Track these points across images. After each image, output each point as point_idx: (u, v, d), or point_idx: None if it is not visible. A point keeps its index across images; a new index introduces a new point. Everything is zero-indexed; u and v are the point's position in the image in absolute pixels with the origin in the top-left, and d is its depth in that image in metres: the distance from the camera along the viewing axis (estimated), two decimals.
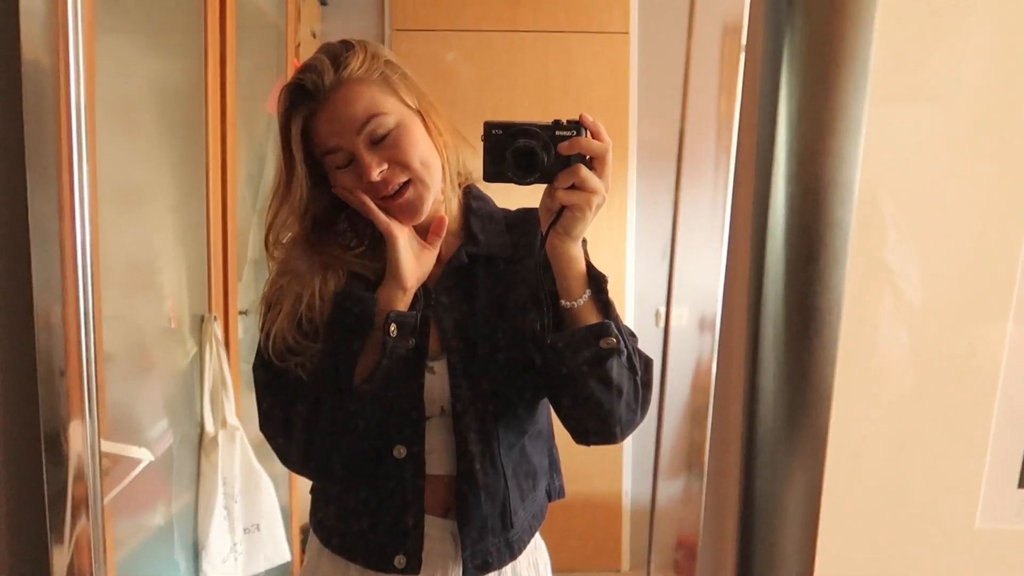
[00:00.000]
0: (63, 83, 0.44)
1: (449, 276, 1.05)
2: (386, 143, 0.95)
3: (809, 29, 0.50)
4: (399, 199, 0.96)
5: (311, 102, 0.95)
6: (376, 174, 0.93)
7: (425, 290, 1.02)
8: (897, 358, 0.61)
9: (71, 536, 0.51)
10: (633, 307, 2.74)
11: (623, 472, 2.89)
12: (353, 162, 0.95)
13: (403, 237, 0.97)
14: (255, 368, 1.05)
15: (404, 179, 0.95)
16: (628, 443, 3.06)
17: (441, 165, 0.99)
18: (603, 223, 2.83)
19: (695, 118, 0.58)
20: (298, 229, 1.01)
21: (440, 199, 1.01)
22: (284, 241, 1.02)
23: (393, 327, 0.96)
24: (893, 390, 0.59)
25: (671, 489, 0.96)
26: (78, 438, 0.54)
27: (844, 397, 0.55)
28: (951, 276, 0.61)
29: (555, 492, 1.19)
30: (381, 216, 0.95)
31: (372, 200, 0.95)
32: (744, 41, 0.50)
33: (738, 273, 0.53)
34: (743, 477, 0.57)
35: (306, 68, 0.96)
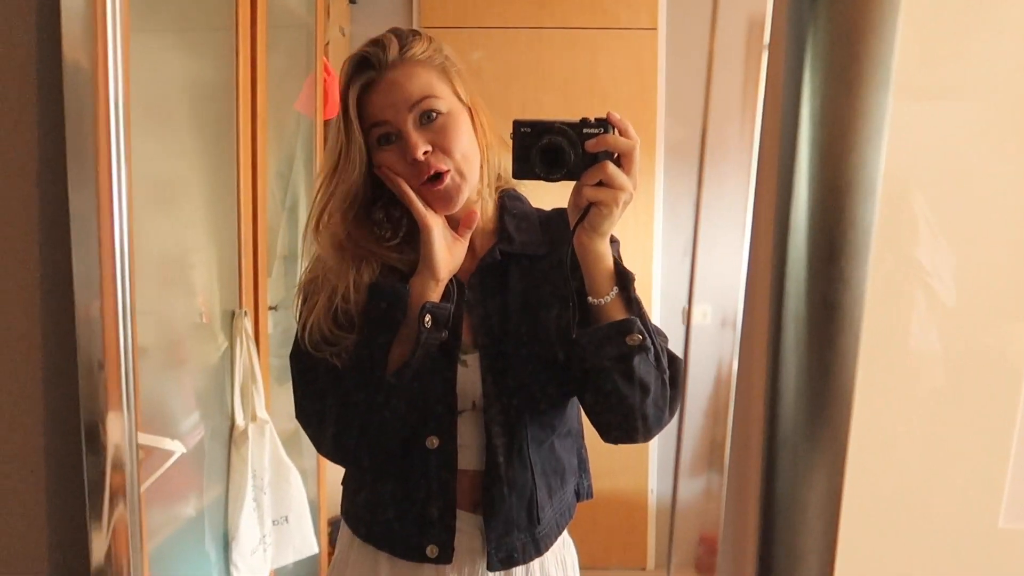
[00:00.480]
0: (102, 84, 0.45)
1: (482, 272, 1.06)
2: (433, 127, 0.97)
3: (832, 26, 0.50)
4: (437, 185, 0.97)
5: (371, 72, 0.98)
6: (420, 153, 0.95)
7: (458, 283, 1.03)
8: (927, 356, 0.61)
9: (109, 523, 0.53)
10: (659, 305, 2.73)
11: (649, 470, 2.88)
12: (398, 140, 0.97)
13: (437, 226, 0.99)
14: (292, 357, 1.07)
15: (444, 167, 0.96)
16: (654, 441, 3.06)
17: (480, 163, 1.01)
18: (629, 221, 2.82)
19: (719, 116, 0.58)
20: (338, 216, 1.02)
21: (475, 198, 1.02)
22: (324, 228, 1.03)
23: (428, 318, 0.98)
24: (919, 388, 0.59)
25: (694, 486, 0.95)
26: (116, 429, 0.56)
27: (870, 395, 0.55)
28: (984, 274, 0.60)
29: (584, 492, 1.20)
30: (417, 202, 0.97)
31: (413, 186, 0.97)
32: (767, 39, 0.51)
33: (760, 271, 0.54)
34: (764, 474, 0.57)
35: (372, 42, 0.98)
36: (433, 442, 1.05)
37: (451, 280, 1.02)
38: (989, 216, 0.58)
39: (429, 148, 0.97)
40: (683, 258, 2.65)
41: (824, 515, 0.54)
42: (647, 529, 2.91)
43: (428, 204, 0.99)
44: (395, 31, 1.01)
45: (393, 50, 0.99)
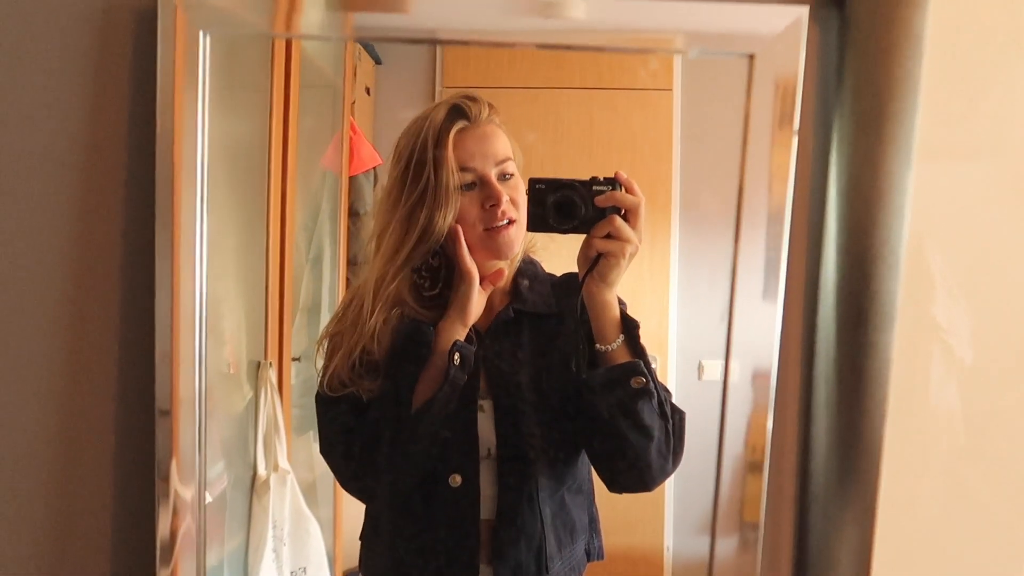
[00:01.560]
0: (188, 151, 0.49)
1: (497, 327, 1.11)
2: (509, 184, 1.05)
3: (857, 110, 0.54)
4: (504, 231, 1.03)
5: (465, 121, 1.05)
6: (504, 200, 1.02)
7: (477, 332, 1.07)
8: (948, 414, 0.63)
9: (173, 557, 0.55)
10: (675, 360, 2.73)
11: (665, 527, 2.84)
12: (480, 187, 1.04)
13: (478, 277, 1.04)
14: (317, 397, 1.11)
15: (516, 217, 1.03)
16: (669, 497, 3.02)
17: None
18: (645, 276, 2.84)
19: (753, 181, 0.62)
20: (407, 260, 1.07)
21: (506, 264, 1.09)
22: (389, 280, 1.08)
23: (457, 356, 1.02)
24: (943, 445, 0.61)
25: (721, 547, 0.98)
26: (179, 478, 0.59)
27: (895, 451, 0.57)
28: (1001, 333, 0.63)
29: (594, 552, 1.22)
30: (465, 252, 1.02)
31: (470, 234, 1.03)
32: (796, 125, 0.55)
33: (792, 336, 0.58)
34: (797, 530, 0.60)
35: (464, 97, 1.07)
36: (456, 480, 1.08)
37: (471, 329, 1.07)
38: (1005, 274, 0.61)
39: (507, 198, 1.04)
40: (699, 314, 2.67)
41: (856, 569, 0.56)
42: None
43: (492, 248, 1.05)
44: (475, 95, 1.10)
45: (485, 109, 1.08)
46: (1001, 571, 0.55)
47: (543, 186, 1.03)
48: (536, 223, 1.03)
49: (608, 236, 0.99)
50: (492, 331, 1.10)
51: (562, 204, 1.01)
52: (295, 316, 2.10)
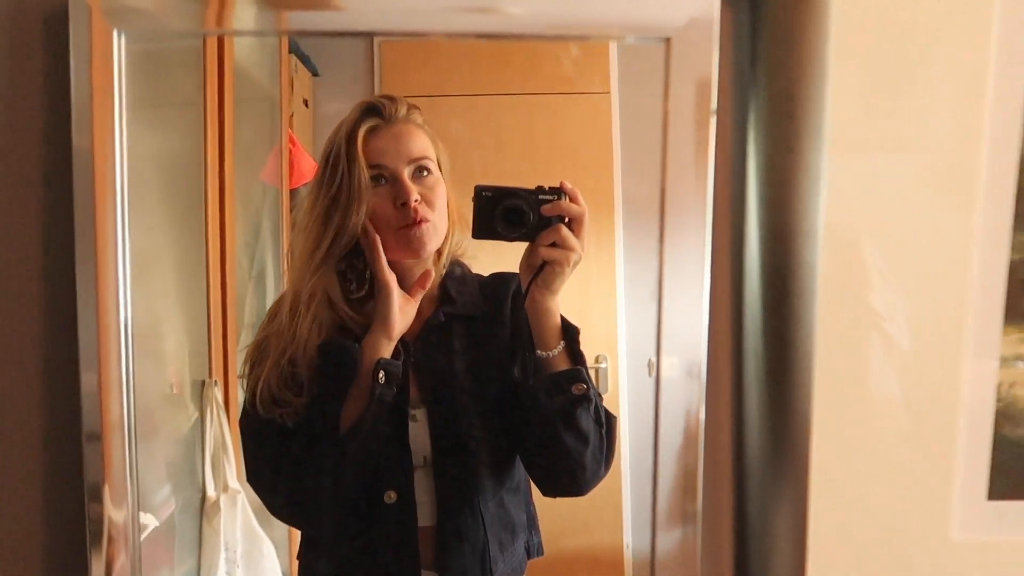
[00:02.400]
0: (108, 166, 0.48)
1: (428, 332, 1.11)
2: (425, 182, 1.05)
3: (771, 92, 0.56)
4: (416, 228, 1.03)
5: (379, 119, 1.05)
6: (413, 197, 1.02)
7: (404, 343, 1.07)
8: (888, 399, 0.65)
9: None
10: (626, 359, 2.76)
11: (624, 525, 2.86)
12: (391, 183, 1.04)
13: (395, 286, 1.04)
14: (240, 421, 1.09)
15: (428, 217, 1.03)
16: (626, 495, 3.04)
17: (446, 234, 1.07)
18: (593, 279, 2.87)
19: (675, 173, 0.63)
20: (325, 260, 1.06)
21: (430, 265, 1.08)
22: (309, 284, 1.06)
23: (382, 374, 1.02)
24: (885, 429, 0.63)
25: (669, 540, 0.99)
26: (111, 502, 0.57)
27: (834, 437, 0.59)
28: (934, 317, 0.65)
29: (534, 549, 1.23)
30: (383, 262, 1.02)
31: (384, 232, 1.02)
32: (714, 105, 0.56)
33: (720, 314, 0.59)
34: (735, 504, 0.61)
35: (381, 96, 1.07)
36: (391, 496, 1.08)
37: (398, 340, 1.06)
38: (929, 261, 0.64)
39: (419, 197, 1.04)
40: (647, 312, 2.70)
41: (793, 538, 0.57)
42: None
43: (405, 246, 1.04)
44: (395, 96, 1.10)
45: (402, 108, 1.08)
46: (929, 531, 0.57)
47: (489, 194, 1.04)
48: (483, 231, 1.04)
49: (553, 245, 1.01)
50: (423, 336, 1.10)
51: (510, 212, 1.03)
52: (240, 333, 2.06)
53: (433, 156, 1.09)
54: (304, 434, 1.03)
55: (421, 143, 1.07)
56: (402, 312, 1.05)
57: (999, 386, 0.58)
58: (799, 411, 0.53)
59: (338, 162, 1.06)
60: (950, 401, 0.58)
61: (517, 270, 1.07)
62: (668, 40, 0.55)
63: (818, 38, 0.52)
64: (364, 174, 1.03)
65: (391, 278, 1.03)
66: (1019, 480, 0.57)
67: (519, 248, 1.04)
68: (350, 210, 1.03)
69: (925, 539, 0.56)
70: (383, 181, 1.05)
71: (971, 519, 0.56)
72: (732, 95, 0.50)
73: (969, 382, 0.58)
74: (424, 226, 1.04)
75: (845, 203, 0.55)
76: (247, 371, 1.10)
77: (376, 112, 1.07)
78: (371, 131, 1.05)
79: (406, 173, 1.05)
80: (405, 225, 1.03)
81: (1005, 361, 0.58)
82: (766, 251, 0.50)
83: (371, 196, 1.04)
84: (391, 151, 1.05)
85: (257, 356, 1.08)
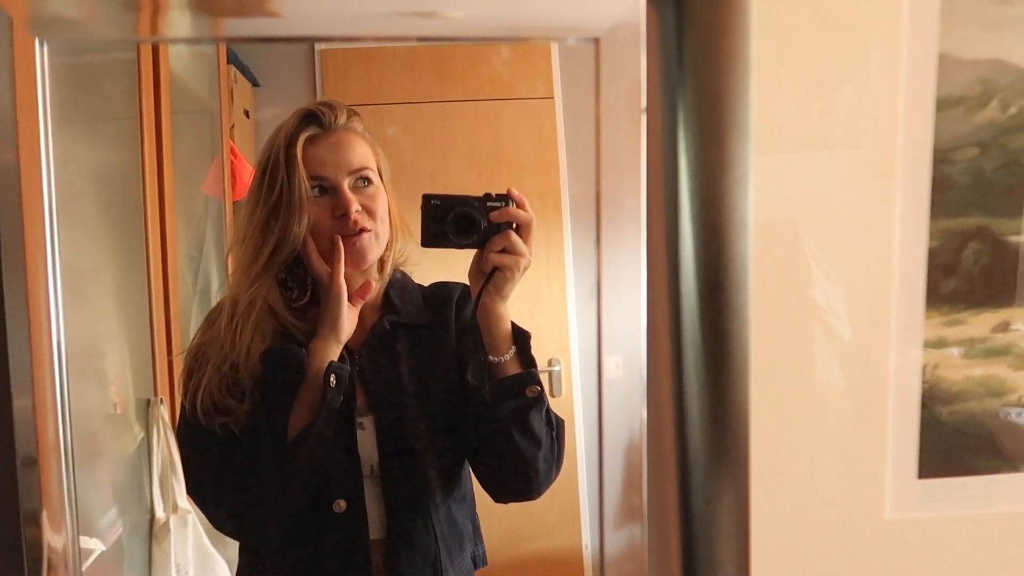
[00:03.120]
0: (34, 180, 0.47)
1: (373, 340, 1.11)
2: (365, 192, 1.04)
3: (698, 90, 0.57)
4: (356, 239, 1.02)
5: (318, 128, 1.03)
6: (354, 209, 1.01)
7: (349, 352, 1.06)
8: (833, 388, 0.67)
9: None
10: (579, 359, 2.79)
11: (582, 525, 2.89)
12: (331, 194, 1.02)
13: (345, 291, 1.02)
14: (179, 433, 1.06)
15: (369, 227, 1.02)
16: (584, 496, 3.07)
17: (388, 242, 1.07)
18: (543, 283, 2.89)
19: (610, 174, 0.64)
20: (267, 270, 1.05)
21: (374, 275, 1.08)
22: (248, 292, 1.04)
23: (333, 378, 1.01)
24: (808, 407, 0.65)
25: (620, 537, 1.00)
26: (52, 529, 0.55)
27: (766, 417, 0.61)
28: (871, 308, 0.68)
29: (479, 560, 1.23)
30: (319, 262, 1.00)
31: (324, 243, 1.01)
32: (644, 104, 0.57)
33: (659, 310, 0.60)
34: (680, 495, 0.62)
35: (322, 103, 1.05)
36: (341, 505, 1.06)
37: (343, 348, 1.06)
38: (856, 251, 0.66)
39: (359, 208, 1.03)
40: (593, 311, 2.72)
41: (736, 527, 0.59)
42: None
43: (345, 257, 1.03)
44: (338, 102, 1.09)
45: (341, 116, 1.07)
46: (863, 511, 0.59)
47: (438, 202, 1.04)
48: (432, 239, 1.04)
49: (503, 251, 1.01)
50: (368, 345, 1.09)
51: (462, 220, 1.03)
52: (185, 349, 2.02)
53: (373, 165, 1.07)
54: (248, 443, 1.00)
55: (361, 152, 1.05)
56: (348, 318, 1.05)
57: (924, 368, 0.61)
58: (737, 401, 0.54)
59: (277, 171, 1.04)
60: (879, 384, 0.61)
61: (458, 279, 1.08)
62: (597, 41, 0.56)
63: (740, 37, 0.54)
64: (304, 185, 1.01)
65: (342, 282, 1.02)
66: (946, 458, 0.60)
67: (463, 256, 1.04)
68: (291, 221, 1.02)
69: (861, 519, 0.58)
70: (323, 192, 1.03)
71: (902, 498, 0.58)
72: (661, 94, 0.51)
73: (896, 366, 0.60)
74: (364, 237, 1.03)
75: (773, 197, 0.57)
76: (184, 378, 1.07)
77: (315, 120, 1.05)
78: (310, 140, 1.03)
79: (346, 184, 1.03)
80: (345, 236, 1.02)
81: (928, 344, 0.61)
82: (700, 246, 0.52)
83: (311, 206, 1.03)
84: (331, 161, 1.03)
85: (195, 363, 1.05)
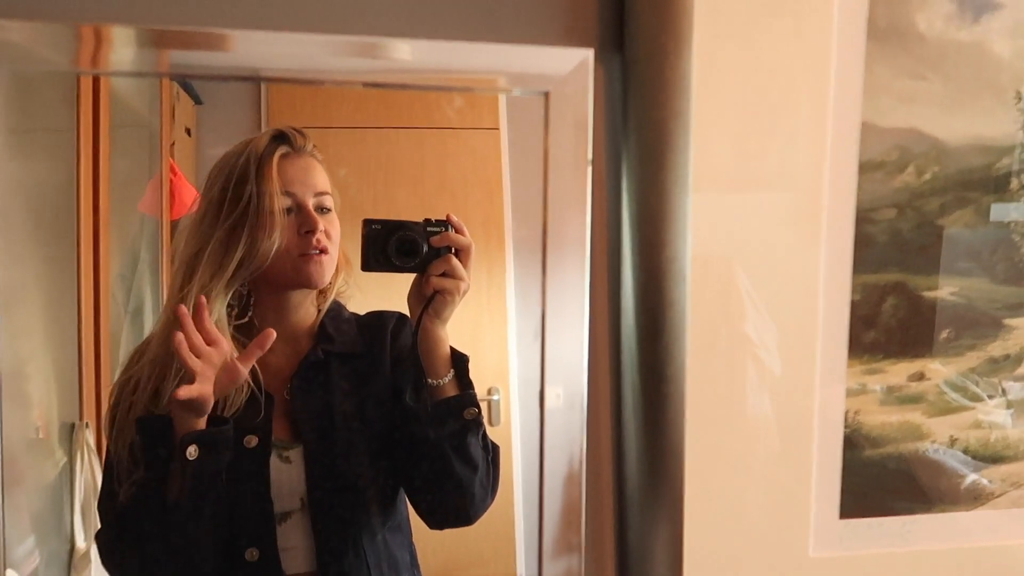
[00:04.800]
0: None
1: (305, 371, 1.11)
2: (325, 218, 1.04)
3: (641, 144, 0.60)
4: (317, 259, 1.03)
5: (289, 148, 1.04)
6: (320, 228, 1.02)
7: (267, 394, 1.04)
8: (763, 421, 0.70)
9: None
10: (517, 389, 2.81)
11: (516, 555, 2.88)
12: (297, 213, 1.03)
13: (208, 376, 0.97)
14: (100, 494, 1.03)
15: (329, 249, 1.03)
16: (520, 526, 3.07)
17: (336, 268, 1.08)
18: (484, 311, 2.90)
19: (556, 213, 0.67)
20: (223, 286, 1.03)
21: (312, 303, 1.08)
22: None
23: (193, 449, 0.98)
24: (742, 446, 0.67)
25: (556, 569, 1.02)
26: None
27: (701, 454, 0.63)
28: (799, 344, 0.71)
29: None
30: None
31: (283, 260, 1.00)
32: (590, 155, 0.60)
33: (599, 348, 0.62)
34: (616, 529, 0.64)
35: (289, 127, 1.05)
36: (253, 554, 1.04)
37: (259, 390, 1.04)
38: (787, 294, 0.69)
39: (323, 228, 1.04)
40: (537, 344, 2.75)
41: (670, 563, 0.61)
42: None
43: (303, 276, 1.03)
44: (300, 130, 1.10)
45: (309, 143, 1.09)
46: (789, 549, 0.61)
47: (379, 227, 1.05)
48: (373, 263, 1.05)
49: (443, 274, 1.03)
50: (300, 374, 1.08)
51: (404, 244, 1.04)
52: (114, 372, 1.96)
53: (331, 194, 1.10)
54: (131, 506, 0.97)
55: (323, 179, 1.09)
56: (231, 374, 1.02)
57: (846, 413, 0.64)
58: (673, 443, 0.56)
59: (244, 184, 1.04)
60: (805, 426, 0.64)
61: (397, 306, 1.09)
62: (547, 94, 0.59)
63: (682, 94, 0.57)
64: (277, 199, 1.03)
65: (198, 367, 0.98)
66: (866, 499, 0.63)
67: (401, 284, 1.05)
68: (260, 234, 1.02)
69: (786, 556, 0.61)
70: (289, 210, 1.04)
71: (825, 537, 0.61)
72: (606, 144, 0.53)
73: (820, 409, 0.63)
74: (324, 258, 1.05)
75: (711, 238, 0.60)
76: (109, 423, 1.03)
77: (287, 140, 1.07)
78: (283, 158, 1.05)
79: (311, 204, 1.06)
80: (305, 254, 1.03)
81: (850, 391, 0.64)
82: (639, 291, 0.54)
83: (283, 221, 1.04)
84: (299, 181, 1.06)
85: (124, 395, 1.02)
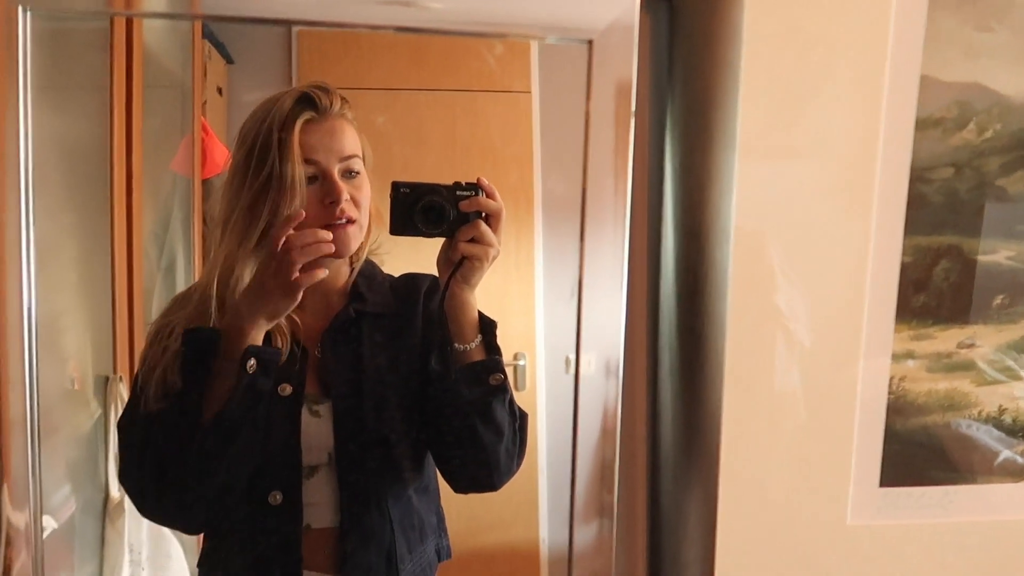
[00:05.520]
0: (9, 148, 0.45)
1: (337, 329, 1.10)
2: (353, 182, 1.03)
3: (687, 98, 0.58)
4: (343, 229, 1.01)
5: (313, 112, 1.02)
6: (344, 199, 1.00)
7: (302, 348, 1.04)
8: (791, 393, 0.68)
9: None
10: (544, 354, 2.80)
11: (540, 520, 2.90)
12: (321, 181, 1.01)
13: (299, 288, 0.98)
14: (121, 417, 1.04)
15: (355, 216, 1.01)
16: (543, 490, 3.08)
17: (367, 229, 1.06)
18: (512, 276, 2.89)
19: (594, 173, 0.65)
20: (229, 255, 1.02)
21: (345, 263, 1.06)
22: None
23: (253, 363, 0.98)
24: (787, 422, 0.66)
25: (585, 534, 1.02)
26: (11, 504, 0.54)
27: (738, 429, 0.62)
28: (832, 317, 0.69)
29: (443, 552, 1.22)
30: (312, 266, 0.98)
31: (320, 224, 0.99)
32: (634, 107, 0.58)
33: (637, 311, 0.61)
34: (649, 494, 0.63)
35: (316, 86, 1.03)
36: (276, 498, 1.05)
37: (295, 339, 1.03)
38: (830, 262, 0.67)
39: (348, 197, 1.02)
40: (566, 309, 2.74)
41: (703, 528, 0.60)
42: None
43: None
44: (329, 87, 1.07)
45: (336, 101, 1.06)
46: (826, 517, 0.60)
47: (408, 190, 1.02)
48: (401, 227, 1.03)
49: (472, 240, 1.00)
50: (332, 331, 1.08)
51: (430, 209, 1.02)
52: (146, 327, 1.98)
53: (361, 154, 1.06)
54: (166, 424, 0.97)
55: (352, 141, 1.04)
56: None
57: (890, 380, 0.62)
58: (710, 405, 0.55)
59: (267, 152, 1.01)
60: (847, 395, 0.62)
61: (428, 267, 1.07)
62: (590, 42, 0.57)
63: (732, 46, 0.54)
64: (299, 169, 0.99)
65: (300, 293, 0.99)
66: (907, 468, 0.61)
67: (433, 244, 1.03)
68: (281, 204, 0.99)
69: (823, 523, 0.60)
70: (312, 179, 1.01)
71: (864, 505, 0.60)
72: (650, 98, 0.51)
73: (864, 377, 0.61)
74: (350, 228, 1.02)
75: (754, 206, 0.58)
76: (141, 359, 1.03)
77: (311, 103, 1.03)
78: (305, 124, 1.02)
79: (337, 171, 1.02)
80: (330, 225, 1.00)
81: (896, 357, 0.62)
82: (681, 250, 0.52)
83: (304, 190, 1.01)
84: (323, 147, 1.01)
85: (154, 344, 1.02)
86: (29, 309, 0.55)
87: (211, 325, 1.02)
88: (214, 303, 1.03)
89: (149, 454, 0.98)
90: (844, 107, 0.63)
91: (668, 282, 0.53)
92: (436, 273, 1.06)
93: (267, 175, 1.01)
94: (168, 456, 0.98)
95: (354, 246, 1.04)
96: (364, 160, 1.07)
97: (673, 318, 0.54)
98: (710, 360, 0.54)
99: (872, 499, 0.60)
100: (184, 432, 0.98)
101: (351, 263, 1.13)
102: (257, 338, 0.99)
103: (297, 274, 0.95)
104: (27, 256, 0.54)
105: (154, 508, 1.03)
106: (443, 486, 1.16)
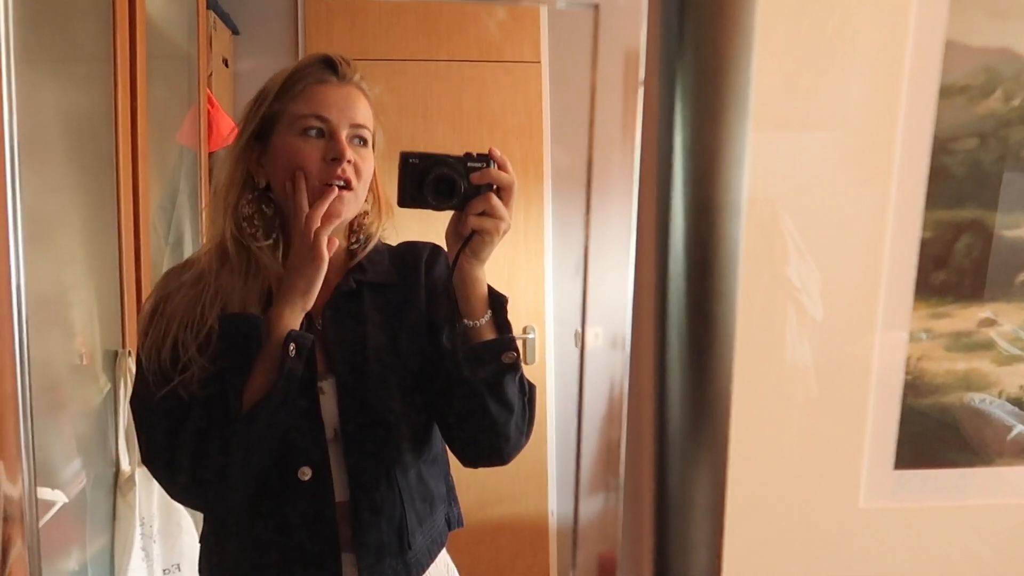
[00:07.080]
0: None
1: (338, 300, 1.08)
2: (358, 151, 1.01)
3: (697, 64, 0.55)
4: (340, 192, 0.99)
5: (329, 75, 1.00)
6: (347, 157, 0.98)
7: (309, 313, 1.03)
8: (802, 368, 0.67)
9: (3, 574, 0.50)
10: (553, 328, 2.80)
11: (549, 492, 2.92)
12: (327, 137, 0.99)
13: (325, 252, 0.98)
14: (133, 396, 1.03)
15: (354, 182, 0.99)
16: (552, 463, 3.11)
17: (363, 211, 1.04)
18: (521, 249, 2.88)
19: (601, 144, 0.63)
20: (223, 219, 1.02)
21: (338, 235, 1.04)
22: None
23: (293, 347, 0.98)
24: (793, 393, 0.65)
25: (592, 505, 1.00)
26: (6, 478, 0.54)
27: (750, 402, 0.60)
28: (845, 290, 0.67)
29: (454, 521, 1.21)
30: (304, 201, 0.97)
31: (318, 181, 0.98)
32: (642, 75, 0.56)
33: (645, 284, 0.58)
34: (656, 473, 0.61)
35: (337, 54, 1.01)
36: (306, 473, 1.04)
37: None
38: (846, 236, 0.65)
39: (352, 159, 1.00)
40: (575, 282, 2.73)
41: (711, 507, 0.58)
42: (549, 552, 2.94)
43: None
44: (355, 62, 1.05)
45: (356, 72, 1.03)
46: (839, 499, 0.59)
47: (416, 161, 0.99)
48: (411, 200, 0.99)
49: (483, 214, 0.97)
50: (332, 304, 1.06)
51: (441, 182, 0.98)
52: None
53: (371, 128, 1.04)
54: (204, 410, 0.97)
55: (365, 111, 1.02)
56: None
57: (907, 359, 0.61)
58: (720, 382, 0.53)
59: (266, 96, 1.00)
60: (861, 373, 0.60)
61: (435, 238, 1.05)
62: (596, 7, 0.54)
63: (745, 11, 0.52)
64: (301, 120, 0.98)
65: (325, 250, 0.98)
66: (923, 450, 0.60)
67: (440, 215, 1.01)
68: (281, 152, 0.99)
69: (835, 505, 0.58)
70: (320, 134, 0.99)
71: (877, 487, 0.58)
72: (659, 66, 0.49)
73: (880, 355, 0.60)
74: (346, 194, 1.00)
75: (767, 177, 0.56)
76: (144, 327, 1.02)
77: (331, 67, 1.01)
78: (321, 83, 1.00)
79: (344, 134, 1.00)
80: (328, 184, 0.98)
81: (914, 335, 0.61)
82: (690, 223, 0.50)
83: (300, 144, 0.99)
84: (336, 108, 1.00)
85: (155, 317, 1.00)
86: (19, 282, 0.54)
87: (206, 301, 1.00)
88: (213, 258, 1.02)
89: (185, 439, 0.98)
90: (863, 74, 0.60)
91: (677, 257, 0.51)
92: (435, 243, 1.04)
93: (262, 116, 1.00)
94: (208, 443, 0.97)
95: (346, 213, 1.01)
96: (374, 140, 1.04)
97: (681, 295, 0.52)
98: (720, 335, 0.52)
99: (886, 481, 0.59)
100: (223, 417, 0.97)
101: (354, 240, 1.10)
102: (295, 321, 0.98)
103: (318, 223, 0.95)
104: (15, 230, 0.52)
105: (195, 492, 1.03)
106: (452, 457, 1.15)
